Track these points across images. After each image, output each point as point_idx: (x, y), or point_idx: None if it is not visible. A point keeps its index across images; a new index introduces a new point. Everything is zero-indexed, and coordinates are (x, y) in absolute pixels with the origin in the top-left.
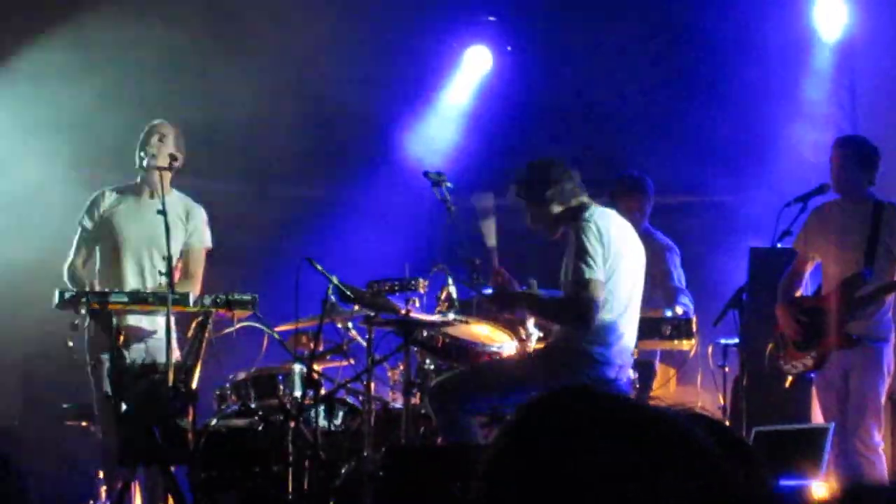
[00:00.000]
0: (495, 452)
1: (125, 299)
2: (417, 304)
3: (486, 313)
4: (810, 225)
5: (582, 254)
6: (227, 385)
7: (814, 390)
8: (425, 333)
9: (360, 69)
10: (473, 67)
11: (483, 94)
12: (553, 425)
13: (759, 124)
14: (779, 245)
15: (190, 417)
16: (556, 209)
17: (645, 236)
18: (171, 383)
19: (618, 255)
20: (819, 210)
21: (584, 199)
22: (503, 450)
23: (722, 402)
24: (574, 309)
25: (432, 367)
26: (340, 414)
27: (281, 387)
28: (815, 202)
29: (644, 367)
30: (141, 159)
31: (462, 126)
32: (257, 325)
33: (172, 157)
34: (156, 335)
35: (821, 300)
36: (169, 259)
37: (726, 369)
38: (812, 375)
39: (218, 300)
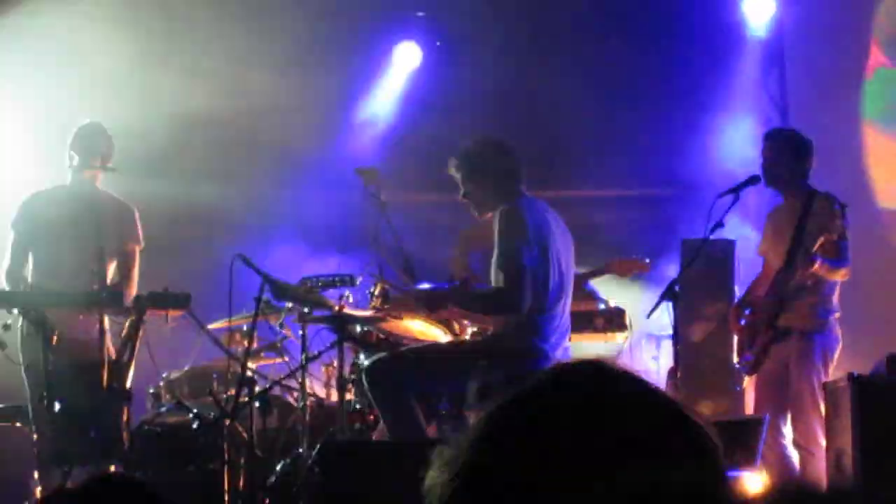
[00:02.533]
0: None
1: (58, 299)
2: (351, 300)
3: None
4: (765, 228)
5: (508, 242)
6: (162, 383)
7: (748, 382)
8: (359, 329)
9: (291, 65)
10: (403, 63)
11: (413, 89)
12: (570, 398)
13: (690, 117)
14: (711, 237)
15: (124, 416)
16: (490, 190)
17: None
18: (105, 383)
19: (546, 245)
20: (771, 212)
21: (520, 187)
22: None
23: None
24: (503, 297)
25: (366, 362)
26: (275, 411)
27: (215, 384)
28: (750, 196)
29: None
30: (71, 160)
31: (392, 122)
32: (191, 323)
33: (104, 157)
34: (89, 335)
35: (759, 297)
36: (101, 259)
37: (660, 361)
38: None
39: (151, 299)
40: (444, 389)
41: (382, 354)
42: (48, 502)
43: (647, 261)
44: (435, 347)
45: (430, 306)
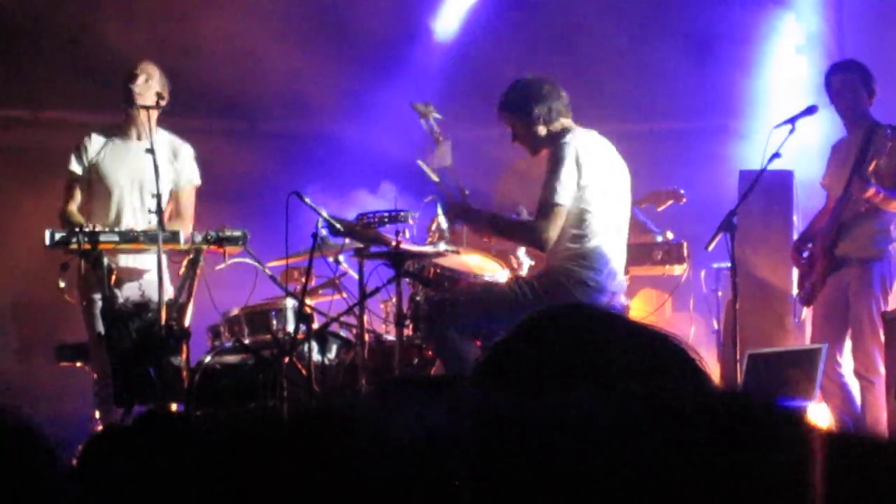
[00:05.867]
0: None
1: (116, 239)
2: (408, 236)
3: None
4: (829, 161)
5: (553, 177)
6: (220, 322)
7: (807, 312)
8: (417, 265)
9: (347, 3)
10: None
11: (470, 24)
12: (559, 331)
13: (740, 51)
14: (768, 168)
15: (183, 355)
16: (541, 129)
17: None
18: (163, 321)
19: (598, 179)
20: (835, 145)
21: (568, 122)
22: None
23: (716, 326)
24: (532, 230)
25: (424, 298)
26: (334, 347)
27: (274, 322)
28: (808, 128)
29: None
30: (127, 99)
31: (449, 57)
32: (248, 260)
33: (159, 96)
34: (147, 274)
35: (819, 227)
36: (158, 198)
37: (719, 293)
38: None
39: (209, 237)
40: (499, 326)
41: (436, 298)
42: (95, 441)
43: (682, 191)
44: (488, 286)
45: (451, 213)
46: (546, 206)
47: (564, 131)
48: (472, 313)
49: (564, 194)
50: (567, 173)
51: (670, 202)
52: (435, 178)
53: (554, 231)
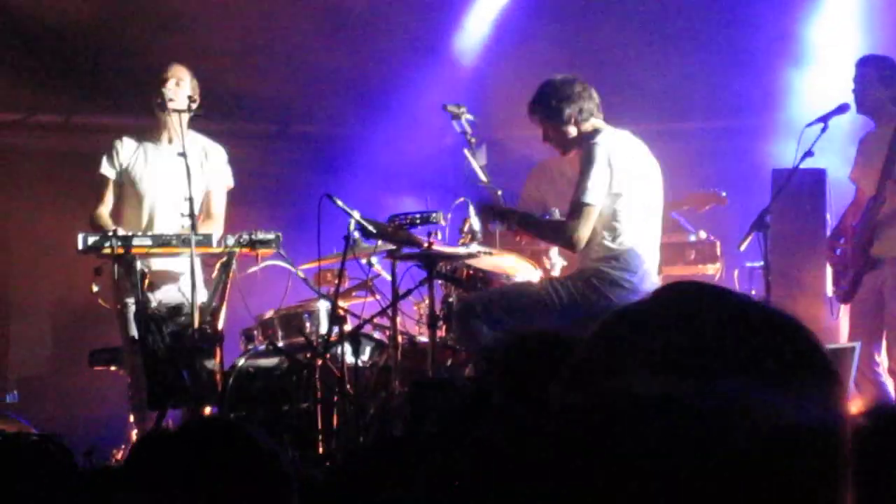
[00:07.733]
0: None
1: (149, 242)
2: (440, 237)
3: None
4: (857, 154)
5: (584, 177)
6: (254, 324)
7: (842, 310)
8: (449, 266)
9: (376, 4)
10: (490, 2)
11: (501, 26)
12: (681, 308)
13: (776, 47)
14: (801, 166)
15: (217, 358)
16: (572, 129)
17: None
18: (197, 325)
19: (631, 179)
20: (863, 138)
21: (600, 122)
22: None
23: None
24: (564, 230)
25: (457, 299)
26: (367, 349)
27: (307, 324)
28: (839, 124)
29: None
30: (158, 103)
31: (481, 58)
32: (281, 263)
33: (190, 100)
34: (180, 277)
35: (852, 226)
36: (191, 201)
37: (753, 293)
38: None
39: (241, 240)
40: (529, 327)
41: (468, 298)
42: (144, 443)
43: (724, 194)
44: (520, 286)
45: (484, 214)
46: (577, 206)
47: (596, 131)
48: (504, 311)
49: (595, 194)
50: (599, 173)
51: (712, 204)
52: (483, 176)
53: (585, 231)
